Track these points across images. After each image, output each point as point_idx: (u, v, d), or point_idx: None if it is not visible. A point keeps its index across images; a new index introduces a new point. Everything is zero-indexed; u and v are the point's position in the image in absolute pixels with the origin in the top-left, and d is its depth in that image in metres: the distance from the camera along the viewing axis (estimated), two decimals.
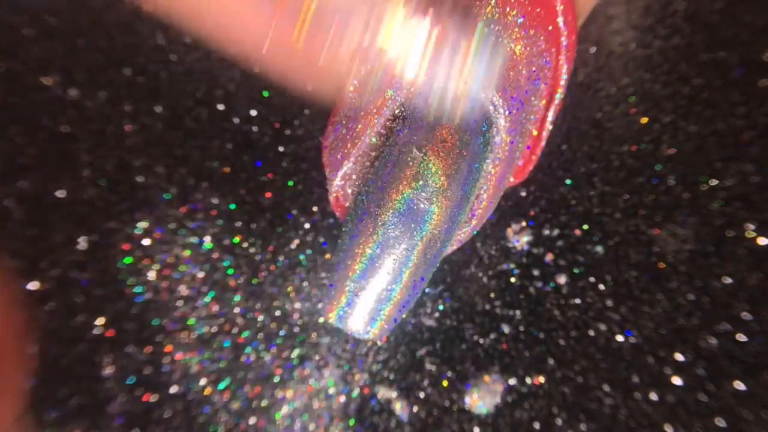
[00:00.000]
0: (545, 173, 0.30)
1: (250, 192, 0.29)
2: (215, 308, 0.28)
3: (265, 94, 0.30)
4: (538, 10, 0.22)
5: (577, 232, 0.29)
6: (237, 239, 0.29)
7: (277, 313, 0.29)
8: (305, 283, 0.29)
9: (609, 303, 0.28)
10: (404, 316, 0.29)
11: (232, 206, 0.29)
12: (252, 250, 0.29)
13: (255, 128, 0.29)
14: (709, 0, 0.30)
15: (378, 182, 0.22)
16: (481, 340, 0.29)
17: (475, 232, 0.25)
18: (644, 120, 0.29)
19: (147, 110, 0.29)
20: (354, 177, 0.23)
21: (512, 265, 0.29)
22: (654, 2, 0.30)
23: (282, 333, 0.29)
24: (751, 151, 0.29)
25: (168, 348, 0.28)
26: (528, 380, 0.28)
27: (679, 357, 0.28)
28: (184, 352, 0.28)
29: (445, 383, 0.28)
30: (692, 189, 0.29)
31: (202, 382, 0.28)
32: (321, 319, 0.29)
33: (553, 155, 0.30)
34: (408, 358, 0.29)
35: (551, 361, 0.28)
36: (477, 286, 0.29)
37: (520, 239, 0.29)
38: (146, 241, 0.28)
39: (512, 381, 0.28)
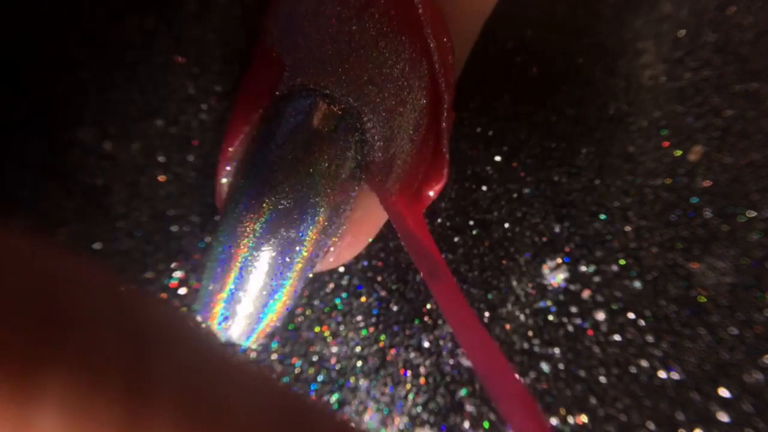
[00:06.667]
0: (578, 208, 0.29)
1: None
2: (252, 355, 0.28)
3: None
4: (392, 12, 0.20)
5: (614, 267, 0.29)
6: None
7: (314, 357, 0.28)
8: (342, 327, 0.29)
9: (650, 339, 0.28)
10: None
11: None
12: None
13: None
14: (739, 31, 0.30)
15: (257, 169, 0.19)
16: (521, 380, 0.28)
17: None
18: (677, 153, 0.29)
19: (179, 160, 0.29)
20: (234, 163, 0.21)
21: (549, 303, 0.29)
22: (683, 35, 0.30)
23: (320, 378, 0.28)
24: None
25: None
26: (570, 420, 0.28)
27: (724, 393, 0.27)
28: None
29: (486, 425, 0.28)
30: (729, 221, 0.29)
31: None
32: (359, 363, 0.29)
33: (586, 190, 0.30)
34: (448, 399, 0.28)
35: (593, 400, 0.28)
36: (514, 325, 0.29)
37: (556, 276, 0.29)
38: (183, 291, 0.28)
39: (554, 421, 0.28)
